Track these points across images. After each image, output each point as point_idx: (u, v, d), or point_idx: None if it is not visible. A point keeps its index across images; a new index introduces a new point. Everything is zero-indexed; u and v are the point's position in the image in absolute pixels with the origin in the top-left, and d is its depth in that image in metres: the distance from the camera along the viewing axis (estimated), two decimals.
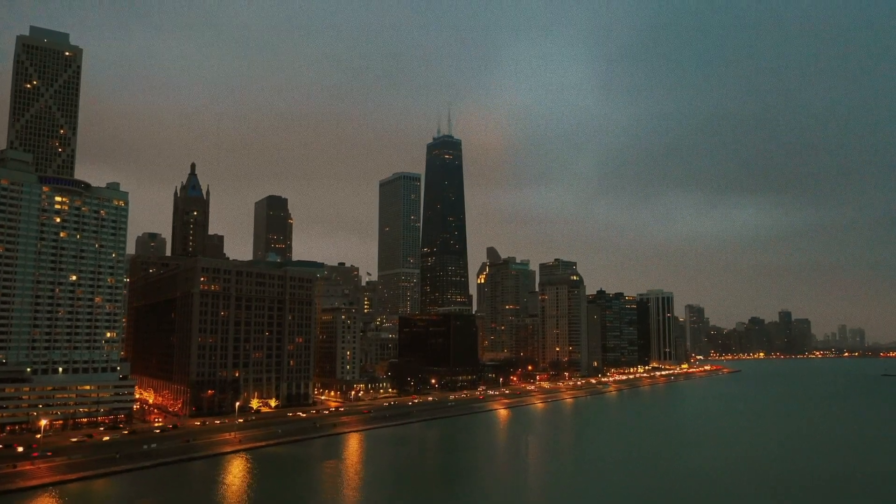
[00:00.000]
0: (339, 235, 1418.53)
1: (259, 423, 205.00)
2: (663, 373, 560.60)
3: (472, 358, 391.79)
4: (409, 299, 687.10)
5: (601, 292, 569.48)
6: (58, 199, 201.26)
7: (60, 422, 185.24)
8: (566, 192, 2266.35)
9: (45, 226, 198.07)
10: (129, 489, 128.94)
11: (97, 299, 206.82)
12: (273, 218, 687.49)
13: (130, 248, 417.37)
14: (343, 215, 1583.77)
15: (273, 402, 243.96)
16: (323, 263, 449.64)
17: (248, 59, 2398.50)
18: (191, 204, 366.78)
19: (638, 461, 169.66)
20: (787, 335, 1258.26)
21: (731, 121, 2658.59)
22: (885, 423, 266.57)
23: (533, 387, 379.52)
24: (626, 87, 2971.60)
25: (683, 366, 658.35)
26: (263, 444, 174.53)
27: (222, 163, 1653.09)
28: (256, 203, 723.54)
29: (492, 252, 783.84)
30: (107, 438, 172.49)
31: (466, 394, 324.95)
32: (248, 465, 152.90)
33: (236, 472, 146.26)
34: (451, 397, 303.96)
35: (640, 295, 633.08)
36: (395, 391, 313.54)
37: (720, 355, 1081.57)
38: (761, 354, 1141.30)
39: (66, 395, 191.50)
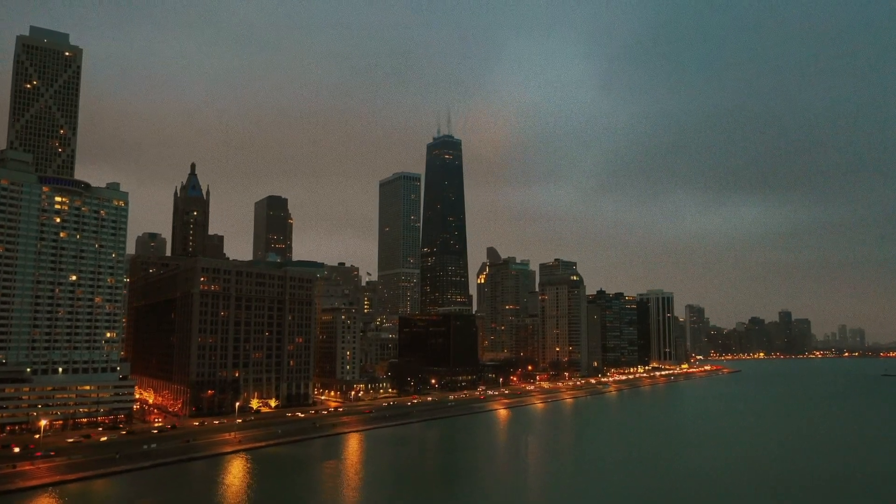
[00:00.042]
0: (340, 235, 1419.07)
1: (259, 424, 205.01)
2: (663, 373, 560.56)
3: (472, 358, 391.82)
4: (409, 299, 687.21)
5: (601, 292, 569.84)
6: (58, 199, 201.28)
7: (60, 422, 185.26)
8: (568, 190, 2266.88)
9: (45, 226, 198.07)
10: (128, 489, 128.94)
11: (97, 299, 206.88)
12: (273, 218, 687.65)
13: (130, 248, 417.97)
14: (343, 215, 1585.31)
15: (273, 403, 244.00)
16: (323, 263, 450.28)
17: (248, 57, 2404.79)
18: (191, 204, 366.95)
19: (638, 461, 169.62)
20: (787, 335, 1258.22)
21: (734, 119, 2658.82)
22: (885, 423, 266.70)
23: (533, 387, 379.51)
24: (627, 85, 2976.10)
25: (683, 366, 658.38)
26: (263, 444, 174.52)
27: (222, 162, 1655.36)
28: (256, 203, 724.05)
29: (492, 252, 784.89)
30: (104, 439, 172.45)
31: (466, 394, 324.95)
32: (248, 466, 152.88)
33: (236, 473, 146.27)
34: (451, 397, 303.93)
35: (640, 295, 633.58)
36: (395, 391, 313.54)
37: (720, 355, 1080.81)
38: (761, 354, 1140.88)
39: (65, 396, 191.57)
